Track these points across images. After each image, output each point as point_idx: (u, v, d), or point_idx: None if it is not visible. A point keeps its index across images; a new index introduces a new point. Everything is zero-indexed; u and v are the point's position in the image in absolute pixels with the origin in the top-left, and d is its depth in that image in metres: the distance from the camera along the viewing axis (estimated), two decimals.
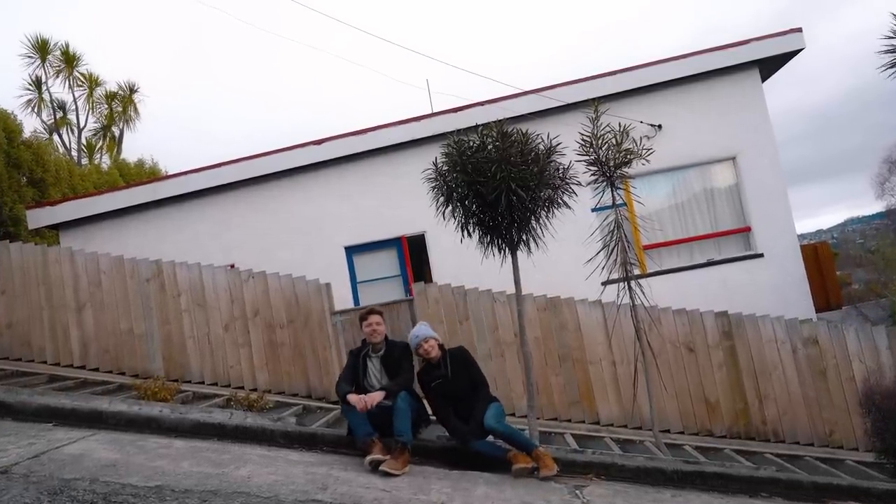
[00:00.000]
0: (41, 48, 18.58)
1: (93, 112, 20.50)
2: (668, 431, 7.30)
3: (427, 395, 5.19)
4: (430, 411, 5.28)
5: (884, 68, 6.00)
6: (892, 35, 5.92)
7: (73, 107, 20.03)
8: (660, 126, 9.68)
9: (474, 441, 4.85)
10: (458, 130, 5.62)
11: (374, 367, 5.21)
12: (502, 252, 5.75)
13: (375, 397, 4.81)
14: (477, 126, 5.53)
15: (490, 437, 4.91)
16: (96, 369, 7.67)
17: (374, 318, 5.25)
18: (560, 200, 5.60)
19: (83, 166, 17.92)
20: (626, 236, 6.22)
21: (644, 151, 6.07)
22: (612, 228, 6.23)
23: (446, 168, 5.52)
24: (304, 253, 9.55)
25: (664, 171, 9.73)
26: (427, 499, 3.92)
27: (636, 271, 6.43)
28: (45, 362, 7.69)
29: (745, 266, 9.44)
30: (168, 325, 7.75)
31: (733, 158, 9.78)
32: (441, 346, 5.21)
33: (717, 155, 9.82)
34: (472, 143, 5.42)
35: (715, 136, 9.75)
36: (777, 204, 9.53)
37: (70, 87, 19.67)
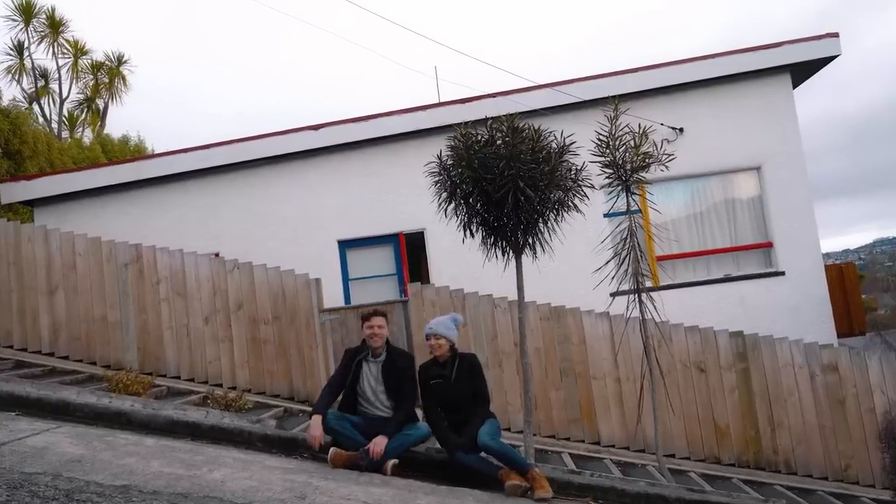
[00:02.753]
0: (26, 10, 18.56)
1: (77, 82, 20.51)
2: (672, 456, 7.30)
3: (422, 393, 5.19)
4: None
5: None
6: None
7: (56, 76, 20.03)
8: (681, 129, 9.68)
9: (463, 454, 4.84)
10: (466, 123, 5.61)
11: (370, 373, 5.16)
12: (506, 255, 5.75)
13: (378, 446, 4.71)
14: (486, 119, 5.52)
15: (482, 454, 4.91)
16: (66, 357, 7.67)
17: (377, 321, 5.16)
18: (571, 203, 5.59)
19: (63, 140, 17.92)
20: (639, 245, 6.22)
21: (664, 156, 6.06)
22: (624, 236, 6.22)
23: (451, 162, 5.52)
24: (295, 245, 9.55)
25: (683, 178, 9.73)
26: None
27: (648, 283, 6.43)
28: (11, 347, 7.69)
29: (765, 284, 9.44)
30: (145, 314, 7.75)
31: (758, 168, 9.78)
32: (452, 348, 5.19)
33: (741, 164, 9.82)
34: (479, 138, 5.41)
35: (740, 143, 9.74)
36: (802, 219, 9.52)
37: (54, 54, 19.66)
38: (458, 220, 5.69)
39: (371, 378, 5.15)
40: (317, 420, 4.88)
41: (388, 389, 5.11)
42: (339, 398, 5.23)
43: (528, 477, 4.72)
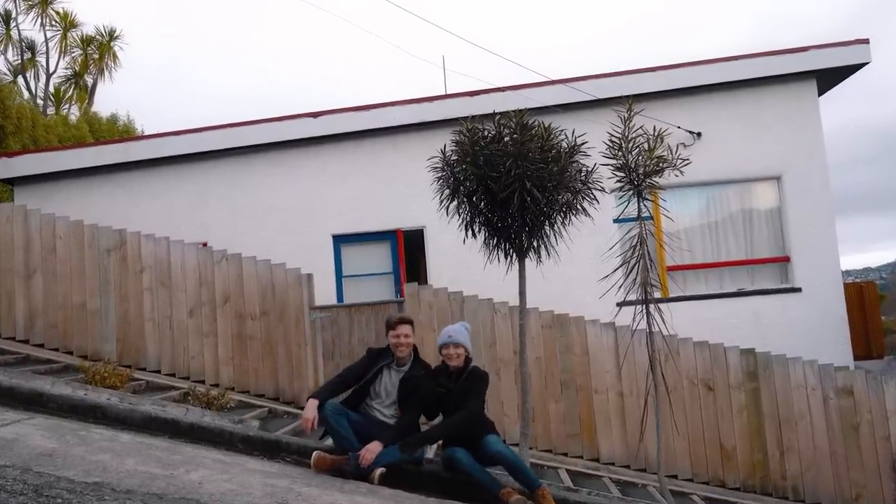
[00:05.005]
0: None
1: (64, 56, 20.50)
2: (675, 477, 7.30)
3: (423, 396, 5.18)
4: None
5: None
6: None
7: (44, 48, 20.05)
8: (699, 134, 9.68)
9: (471, 463, 4.82)
10: (473, 117, 5.61)
11: (389, 381, 5.17)
12: (509, 258, 5.75)
13: (371, 452, 4.70)
14: (494, 114, 5.52)
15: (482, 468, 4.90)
16: (41, 345, 7.67)
17: (404, 329, 5.14)
18: (579, 206, 5.60)
19: (48, 116, 17.93)
20: (649, 254, 6.21)
21: (679, 161, 6.05)
22: (634, 243, 6.21)
23: (455, 158, 5.53)
24: (287, 238, 9.55)
25: (699, 185, 9.72)
26: None
27: (657, 294, 6.42)
28: None
29: (780, 300, 9.44)
30: (126, 303, 7.75)
31: (778, 178, 9.78)
32: (468, 360, 5.18)
33: (760, 172, 9.82)
34: (486, 133, 5.42)
35: (760, 151, 9.74)
36: (822, 234, 9.52)
37: (42, 25, 19.69)
38: (460, 220, 5.69)
39: (389, 385, 5.16)
40: (312, 403, 4.86)
41: (400, 401, 5.13)
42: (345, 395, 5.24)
43: (537, 495, 4.70)
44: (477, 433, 4.93)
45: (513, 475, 4.84)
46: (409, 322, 5.23)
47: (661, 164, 6.02)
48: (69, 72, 20.93)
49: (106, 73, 21.13)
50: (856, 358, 9.30)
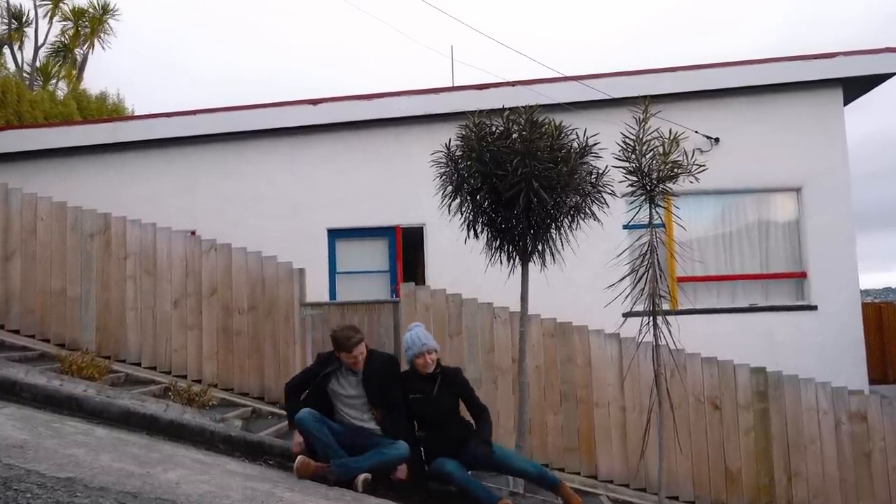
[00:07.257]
0: None
1: (52, 20, 20.37)
2: (676, 499, 7.31)
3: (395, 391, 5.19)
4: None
5: None
6: None
7: (33, 17, 20.00)
8: (717, 139, 9.68)
9: (463, 476, 4.83)
10: (480, 111, 5.62)
11: (347, 383, 5.17)
12: (512, 261, 5.75)
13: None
14: (503, 109, 5.53)
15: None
16: (17, 331, 7.68)
17: (362, 349, 5.10)
18: (588, 210, 5.60)
19: (35, 91, 17.91)
20: (659, 263, 6.21)
21: (695, 167, 6.05)
22: (644, 251, 6.21)
23: (460, 153, 5.53)
24: (279, 229, 9.54)
25: (714, 194, 9.72)
26: None
27: (665, 306, 6.42)
28: None
29: (794, 318, 9.44)
30: (108, 291, 7.75)
31: (798, 189, 9.78)
32: (437, 361, 5.21)
33: (780, 183, 9.82)
34: (494, 129, 5.43)
35: (780, 160, 9.74)
36: (842, 250, 9.52)
37: None
38: (462, 218, 5.69)
39: (350, 387, 5.16)
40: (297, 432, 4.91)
41: (371, 397, 5.12)
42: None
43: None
44: (462, 436, 4.95)
45: (542, 486, 5.12)
46: (363, 338, 5.18)
47: (675, 170, 6.01)
48: (59, 44, 20.89)
49: (98, 47, 21.09)
50: (871, 382, 9.31)
